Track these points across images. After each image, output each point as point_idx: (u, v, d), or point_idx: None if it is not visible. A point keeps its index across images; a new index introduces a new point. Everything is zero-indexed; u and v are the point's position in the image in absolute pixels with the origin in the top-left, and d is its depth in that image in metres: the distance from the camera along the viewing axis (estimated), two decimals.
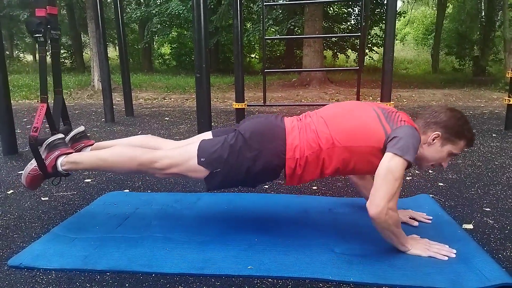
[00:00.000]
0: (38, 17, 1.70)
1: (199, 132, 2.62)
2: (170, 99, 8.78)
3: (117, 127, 4.89)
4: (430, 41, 18.59)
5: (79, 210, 2.09)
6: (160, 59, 21.56)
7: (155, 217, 1.92)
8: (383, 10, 14.71)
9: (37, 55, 23.90)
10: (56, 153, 1.67)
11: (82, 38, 19.40)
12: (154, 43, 21.55)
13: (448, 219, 1.90)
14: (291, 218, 1.93)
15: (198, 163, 1.55)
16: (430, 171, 2.86)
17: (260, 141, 1.54)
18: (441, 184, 2.57)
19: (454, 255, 1.52)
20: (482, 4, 15.50)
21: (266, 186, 2.53)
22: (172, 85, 11.09)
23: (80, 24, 16.87)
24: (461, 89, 9.58)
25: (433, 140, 1.58)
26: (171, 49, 21.04)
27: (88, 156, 1.66)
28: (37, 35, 1.70)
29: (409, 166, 1.45)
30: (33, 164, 1.70)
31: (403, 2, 22.16)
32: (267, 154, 1.54)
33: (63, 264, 1.49)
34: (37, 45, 1.73)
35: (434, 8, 18.72)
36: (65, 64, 19.55)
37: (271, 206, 2.09)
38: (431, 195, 2.29)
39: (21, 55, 22.53)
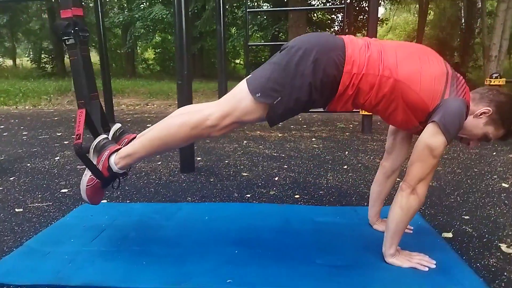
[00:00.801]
0: (64, 19, 1.62)
1: None
2: (153, 105, 8.69)
3: None
4: None
5: (55, 222, 2.03)
6: (143, 64, 21.39)
7: (133, 229, 1.87)
8: (366, 16, 14.92)
9: (17, 60, 23.43)
10: (106, 153, 1.56)
11: None
12: (138, 48, 21.38)
13: (428, 228, 1.91)
14: (273, 228, 1.90)
15: (254, 100, 1.38)
16: None
17: (317, 51, 1.35)
18: None
19: (434, 266, 1.52)
20: (462, 12, 15.90)
21: (248, 195, 2.50)
22: (155, 91, 10.99)
23: None
24: None
25: (481, 114, 1.47)
26: (154, 54, 20.90)
27: (138, 143, 1.53)
28: (65, 37, 1.62)
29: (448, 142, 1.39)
30: (87, 175, 1.58)
31: (385, 9, 22.55)
32: (325, 63, 1.35)
33: (35, 280, 1.43)
34: (66, 49, 1.64)
35: (416, 15, 19.10)
36: (45, 69, 19.20)
37: (252, 215, 2.07)
38: None
39: (0, 59, 22.02)
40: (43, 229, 1.92)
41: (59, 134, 4.84)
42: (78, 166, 3.21)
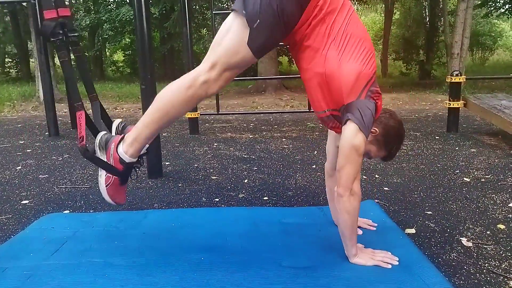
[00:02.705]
0: (50, 19, 1.55)
1: None
2: (122, 108, 8.51)
3: (61, 141, 4.65)
4: (380, 46, 19.38)
5: (14, 235, 1.95)
6: (113, 66, 20.91)
7: (95, 240, 1.82)
8: None
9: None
10: (112, 146, 1.51)
11: (29, 46, 18.43)
12: (106, 50, 20.89)
13: (392, 225, 1.94)
14: (240, 233, 1.89)
15: (235, 33, 1.36)
16: (376, 175, 2.94)
17: None
18: (386, 188, 2.64)
19: (397, 262, 1.55)
20: (426, 11, 16.40)
21: (217, 200, 2.49)
22: (125, 94, 10.77)
23: (26, 32, 16.01)
24: (408, 93, 10.02)
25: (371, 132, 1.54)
26: (124, 56, 20.49)
27: (140, 124, 1.49)
28: (53, 38, 1.55)
29: None
30: (101, 175, 1.53)
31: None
32: None
33: None
34: (55, 51, 1.55)
35: (382, 15, 19.56)
36: (10, 73, 18.49)
37: (220, 220, 2.05)
38: (376, 201, 2.35)
39: None
40: (1, 243, 1.84)
41: (22, 142, 4.66)
42: (40, 176, 3.10)
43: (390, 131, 1.58)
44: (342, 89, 1.42)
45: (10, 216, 2.27)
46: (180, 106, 1.45)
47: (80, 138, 1.52)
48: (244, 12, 1.35)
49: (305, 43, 1.44)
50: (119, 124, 1.68)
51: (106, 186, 1.54)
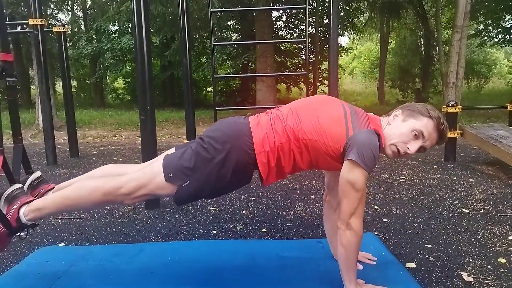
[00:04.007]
0: None
1: None
2: (121, 136, 8.53)
3: (59, 170, 4.64)
4: (376, 74, 19.70)
5: (8, 269, 1.91)
6: (113, 93, 21.13)
7: (90, 275, 1.78)
8: None
9: None
10: (17, 204, 1.55)
11: (31, 73, 18.66)
12: (107, 78, 21.15)
13: (392, 259, 1.92)
14: (238, 267, 1.86)
15: (165, 180, 1.47)
16: (375, 206, 2.92)
17: (225, 141, 1.46)
18: (386, 220, 2.62)
19: None
20: (422, 40, 16.76)
21: (214, 232, 2.46)
22: (124, 121, 10.83)
23: (28, 59, 16.26)
24: None
25: (394, 117, 1.55)
26: (124, 84, 20.74)
27: (50, 199, 1.57)
28: None
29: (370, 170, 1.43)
30: None
31: (350, 38, 23.48)
32: (235, 153, 1.46)
33: None
34: None
35: (378, 44, 19.98)
36: None
37: (217, 253, 2.02)
38: (376, 233, 2.32)
39: None
40: None
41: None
42: None
43: (410, 104, 1.56)
44: (331, 144, 1.46)
45: (5, 249, 2.23)
46: (92, 204, 1.55)
47: None
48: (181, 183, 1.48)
49: (288, 167, 1.53)
50: (37, 178, 1.76)
51: None
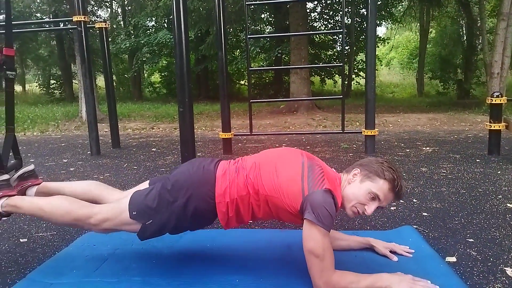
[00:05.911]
0: None
1: None
2: (159, 128, 8.78)
3: (102, 160, 4.85)
4: (415, 65, 19.06)
5: (58, 252, 2.04)
6: (150, 87, 21.71)
7: (134, 258, 1.88)
8: None
9: (26, 86, 23.94)
10: (0, 194, 1.71)
11: (73, 68, 19.53)
12: (144, 72, 21.74)
13: (431, 252, 1.88)
14: (274, 255, 1.90)
15: (130, 217, 1.58)
16: (414, 200, 2.86)
17: (188, 187, 1.57)
18: (425, 214, 2.57)
19: None
20: (464, 29, 16.03)
21: (251, 221, 2.50)
22: (161, 114, 11.12)
23: (70, 55, 17.00)
24: (446, 113, 9.74)
25: (353, 176, 1.60)
26: (161, 77, 21.24)
27: (28, 203, 1.70)
28: None
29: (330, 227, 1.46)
30: None
31: (387, 28, 22.81)
32: (195, 200, 1.56)
33: None
34: None
35: (417, 33, 19.29)
36: (54, 94, 19.58)
37: (253, 242, 2.06)
38: (414, 226, 2.28)
39: None
40: (46, 259, 1.94)
41: (65, 160, 4.90)
42: None
43: (369, 162, 1.61)
44: (288, 203, 1.51)
45: (55, 233, 2.38)
46: (63, 223, 1.69)
47: None
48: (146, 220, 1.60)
49: (247, 216, 1.64)
50: (28, 171, 1.89)
51: None
